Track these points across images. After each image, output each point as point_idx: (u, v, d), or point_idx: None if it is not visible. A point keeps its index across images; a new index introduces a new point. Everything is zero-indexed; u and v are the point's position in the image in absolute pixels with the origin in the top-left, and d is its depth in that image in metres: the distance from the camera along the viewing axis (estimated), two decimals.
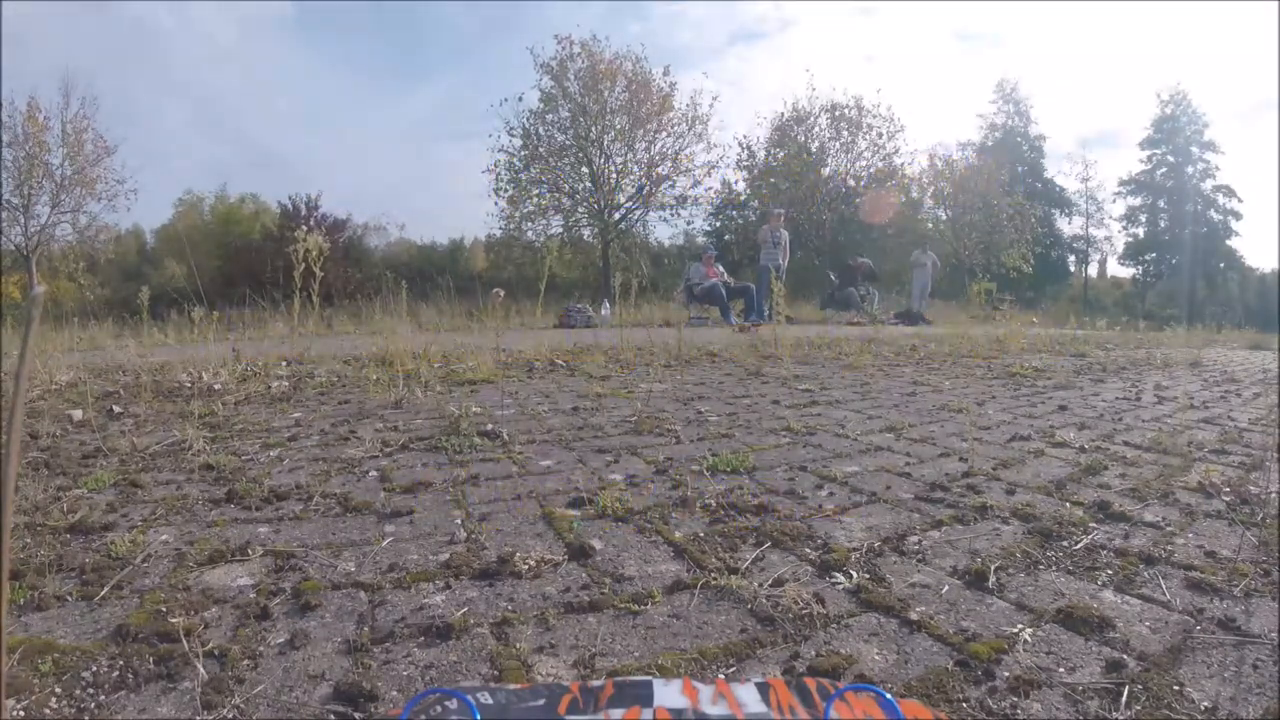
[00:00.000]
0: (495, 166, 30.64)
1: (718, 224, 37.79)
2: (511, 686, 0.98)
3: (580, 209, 31.54)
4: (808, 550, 1.65)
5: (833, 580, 1.48)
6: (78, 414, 3.47)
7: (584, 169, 30.80)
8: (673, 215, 33.06)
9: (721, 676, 1.13)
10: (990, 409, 3.75)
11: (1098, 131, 78.00)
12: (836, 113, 34.38)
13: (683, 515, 1.92)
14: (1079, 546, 1.71)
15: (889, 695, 0.90)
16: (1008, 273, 34.21)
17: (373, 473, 2.37)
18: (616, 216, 31.47)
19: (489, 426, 3.02)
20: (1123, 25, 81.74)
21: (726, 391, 4.28)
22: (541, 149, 30.55)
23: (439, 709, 0.89)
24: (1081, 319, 19.51)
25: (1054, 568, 1.59)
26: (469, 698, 0.90)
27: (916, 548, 1.69)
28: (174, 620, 1.28)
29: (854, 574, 1.50)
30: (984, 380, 5.07)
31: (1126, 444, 2.93)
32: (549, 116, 30.60)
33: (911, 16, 77.27)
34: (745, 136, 37.05)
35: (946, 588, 1.47)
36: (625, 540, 1.73)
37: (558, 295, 21.96)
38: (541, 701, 0.92)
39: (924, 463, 2.53)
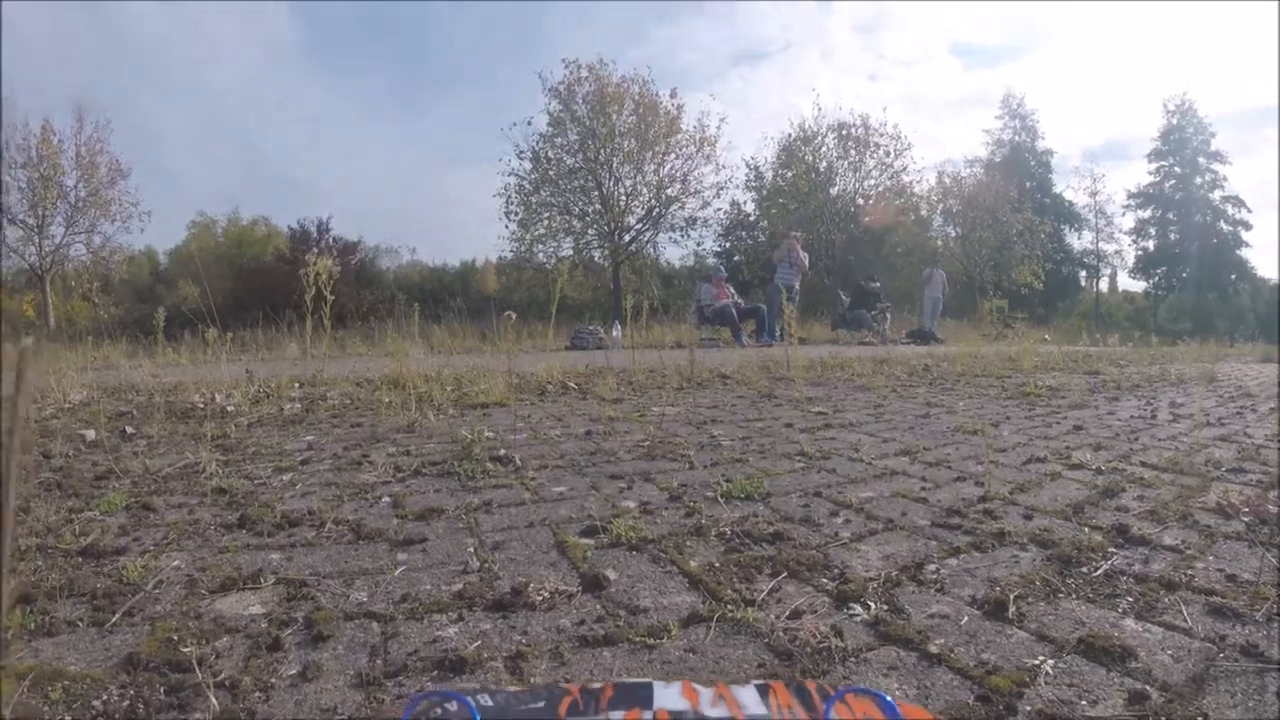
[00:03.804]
0: (506, 190, 30.82)
1: (727, 245, 37.94)
2: (511, 689, 0.99)
3: (590, 231, 31.65)
4: (824, 580, 1.63)
5: (850, 612, 1.46)
6: (90, 434, 3.48)
7: (594, 192, 30.91)
8: (682, 237, 33.15)
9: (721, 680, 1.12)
10: (1005, 430, 3.73)
11: (1104, 143, 77.84)
12: (843, 132, 34.45)
13: (697, 544, 1.90)
14: (1098, 573, 1.68)
15: (889, 699, 0.90)
16: (1019, 289, 34.20)
17: (385, 498, 2.36)
18: (627, 238, 31.55)
19: (501, 451, 3.01)
20: (1125, 34, 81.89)
21: (739, 414, 4.26)
22: (551, 172, 30.69)
23: (439, 711, 0.89)
24: (1094, 335, 19.45)
25: (1074, 595, 1.56)
26: (469, 699, 0.89)
27: (935, 577, 1.67)
28: (185, 649, 1.27)
29: (872, 605, 1.48)
30: (998, 400, 5.05)
31: (1143, 464, 2.90)
32: (558, 140, 30.76)
33: (910, 34, 77.29)
34: (753, 158, 37.18)
35: (966, 618, 1.44)
36: (640, 570, 1.71)
37: (569, 317, 22.01)
38: (541, 704, 0.92)
39: (940, 487, 2.51)
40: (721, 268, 18.00)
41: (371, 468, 2.79)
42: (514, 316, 5.38)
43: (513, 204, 30.89)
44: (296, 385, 5.53)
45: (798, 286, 15.19)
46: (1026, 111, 47.53)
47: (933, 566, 1.74)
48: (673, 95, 30.78)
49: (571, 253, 31.64)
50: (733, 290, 15.52)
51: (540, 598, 1.50)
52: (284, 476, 2.68)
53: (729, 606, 1.47)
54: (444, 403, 4.60)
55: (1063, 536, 1.94)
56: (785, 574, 1.67)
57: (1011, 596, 1.51)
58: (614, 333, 14.51)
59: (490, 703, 0.91)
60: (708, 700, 0.92)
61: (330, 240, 32.67)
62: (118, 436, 3.53)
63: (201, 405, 4.49)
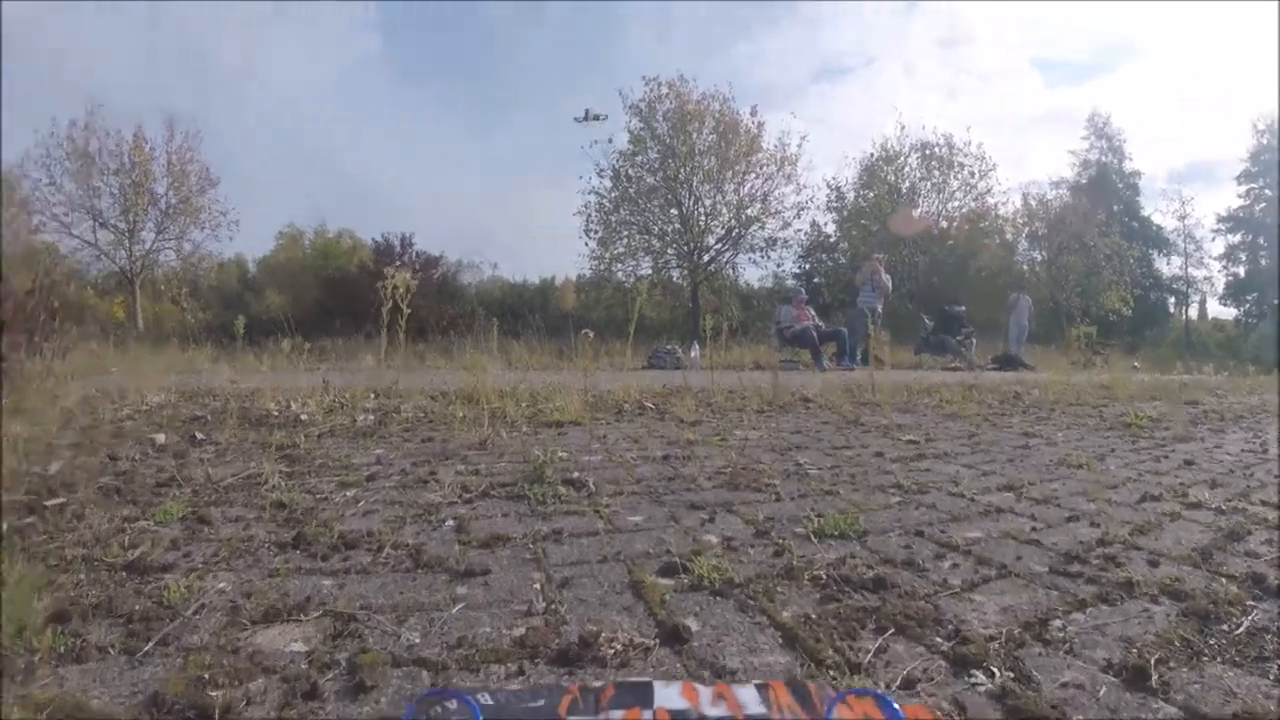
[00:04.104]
0: (586, 207, 31.06)
1: (807, 266, 37.56)
2: (512, 687, 1.00)
3: (669, 250, 31.67)
4: (937, 639, 1.43)
5: (972, 680, 1.26)
6: (160, 438, 3.50)
7: (673, 210, 30.95)
8: (762, 258, 32.97)
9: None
10: (1111, 464, 3.49)
11: (1187, 164, 75.03)
12: (927, 151, 33.95)
13: (789, 589, 1.70)
14: (1240, 631, 1.48)
15: (892, 701, 0.89)
16: (1107, 315, 33.17)
17: (450, 521, 2.23)
18: (706, 258, 31.48)
19: (575, 474, 2.87)
20: (1210, 53, 79.35)
21: (825, 441, 4.06)
22: (631, 190, 30.80)
23: (439, 709, 0.89)
24: (1187, 363, 18.84)
25: (1218, 659, 1.37)
26: (470, 698, 0.89)
27: (1061, 635, 1.46)
28: (213, 693, 1.15)
29: (996, 672, 1.27)
30: (1098, 431, 4.77)
31: (1264, 503, 2.67)
32: (638, 158, 30.87)
33: (991, 49, 75.53)
34: (834, 178, 36.78)
35: (1104, 688, 1.25)
36: (725, 620, 1.52)
37: (647, 336, 21.91)
38: (541, 702, 0.94)
39: (1052, 527, 2.29)
40: (802, 289, 17.86)
41: (438, 486, 2.67)
42: (591, 334, 5.29)
43: (592, 222, 31.17)
44: (371, 396, 5.51)
45: (880, 309, 14.92)
46: (1113, 131, 45.84)
47: (1058, 622, 1.53)
48: (753, 113, 30.72)
49: (650, 272, 31.73)
50: (813, 312, 15.28)
51: (612, 651, 1.32)
52: (347, 492, 2.59)
53: (830, 671, 1.28)
54: (518, 419, 4.50)
55: (1194, 587, 1.73)
56: (892, 629, 1.46)
57: (1151, 660, 1.32)
58: (692, 353, 14.40)
59: (490, 701, 0.93)
60: (707, 699, 0.94)
61: (413, 254, 33.20)
62: (186, 442, 3.52)
63: (276, 413, 4.48)
